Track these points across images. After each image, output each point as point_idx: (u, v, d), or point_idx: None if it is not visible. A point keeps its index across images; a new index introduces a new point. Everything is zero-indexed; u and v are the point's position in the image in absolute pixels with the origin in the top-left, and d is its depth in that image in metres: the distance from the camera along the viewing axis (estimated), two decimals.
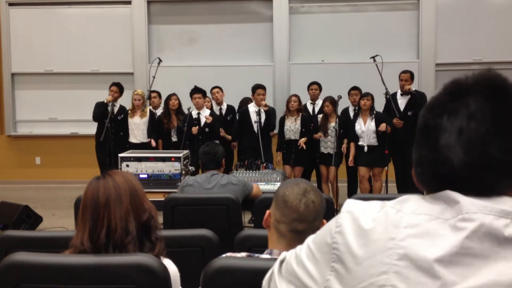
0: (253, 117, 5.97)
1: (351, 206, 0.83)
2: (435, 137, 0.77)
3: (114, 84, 6.50)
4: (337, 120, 5.87)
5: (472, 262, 0.69)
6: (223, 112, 6.68)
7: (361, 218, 0.79)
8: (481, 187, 0.74)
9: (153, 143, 6.28)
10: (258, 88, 6.10)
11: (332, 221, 0.84)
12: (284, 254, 0.94)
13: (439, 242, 0.71)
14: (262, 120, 5.99)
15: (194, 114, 6.10)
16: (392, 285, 0.72)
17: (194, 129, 5.91)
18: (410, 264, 0.71)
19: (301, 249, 0.89)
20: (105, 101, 6.37)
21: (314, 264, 0.83)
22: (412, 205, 0.77)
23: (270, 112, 6.17)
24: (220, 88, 6.76)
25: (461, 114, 0.76)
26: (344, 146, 6.07)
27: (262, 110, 6.04)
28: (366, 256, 0.75)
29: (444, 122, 0.77)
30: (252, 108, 6.11)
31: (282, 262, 0.93)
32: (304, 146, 6.01)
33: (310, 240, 0.88)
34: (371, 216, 0.79)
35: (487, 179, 0.75)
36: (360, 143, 5.97)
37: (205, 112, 6.12)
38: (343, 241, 0.79)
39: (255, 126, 5.94)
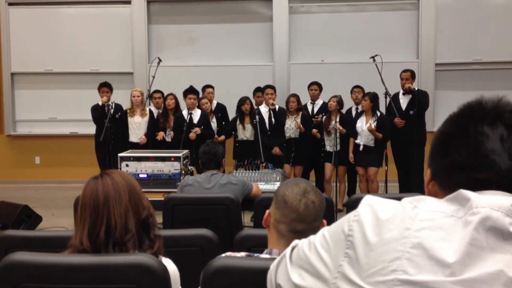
0: (265, 117, 6.04)
1: (370, 200, 0.86)
2: (478, 142, 0.81)
3: (103, 85, 6.57)
4: (337, 119, 5.86)
5: (480, 253, 0.72)
6: (212, 110, 6.67)
7: (379, 210, 0.83)
8: None
9: (143, 140, 6.26)
10: (267, 88, 6.27)
11: (351, 213, 0.87)
12: (296, 241, 0.96)
13: (452, 237, 0.74)
14: (273, 119, 6.08)
15: (185, 114, 6.10)
16: (404, 270, 0.74)
17: (192, 135, 5.88)
18: (422, 252, 0.74)
19: (315, 237, 0.91)
20: (100, 104, 6.42)
21: (328, 252, 0.85)
22: (428, 204, 0.81)
23: (280, 111, 6.22)
24: (213, 88, 6.81)
25: (499, 125, 0.81)
26: (339, 126, 5.79)
27: (272, 109, 6.12)
28: (380, 244, 0.78)
29: (486, 129, 0.81)
30: (263, 108, 6.18)
31: (293, 248, 0.95)
32: (301, 126, 6.05)
33: (325, 229, 0.91)
34: (389, 209, 0.82)
35: None
36: (357, 140, 5.96)
37: (197, 113, 6.12)
38: (360, 229, 0.82)
39: (267, 125, 6.03)
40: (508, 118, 0.81)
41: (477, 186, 0.79)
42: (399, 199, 0.85)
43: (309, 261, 0.87)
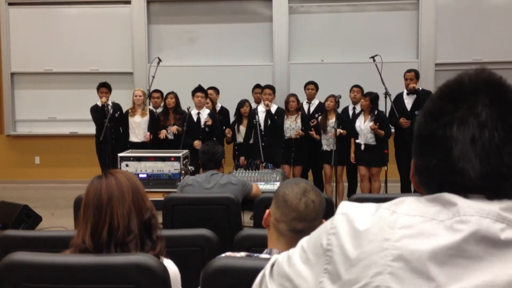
0: (262, 117, 6.01)
1: (346, 208, 0.82)
2: (447, 148, 0.76)
3: (102, 85, 6.57)
4: (335, 118, 5.87)
5: (467, 264, 0.69)
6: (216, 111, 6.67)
7: (356, 220, 0.79)
8: (494, 193, 0.74)
9: (147, 137, 6.26)
10: (266, 88, 6.24)
11: (327, 223, 0.83)
12: (275, 257, 0.93)
13: (433, 241, 0.71)
14: (268, 121, 6.04)
15: (194, 114, 6.10)
16: (387, 286, 0.71)
17: (197, 144, 5.80)
18: (404, 265, 0.71)
19: (294, 251, 0.87)
20: (100, 104, 6.44)
21: (307, 266, 0.82)
22: (407, 207, 0.77)
23: (279, 112, 6.20)
24: (215, 90, 6.77)
25: (471, 123, 0.75)
26: (339, 130, 5.85)
27: (271, 109, 6.09)
28: (361, 257, 0.75)
29: (454, 133, 0.75)
30: (261, 108, 6.16)
31: (273, 265, 0.92)
32: (300, 132, 6.03)
33: (304, 241, 0.87)
34: (366, 218, 0.78)
35: (501, 187, 0.75)
36: (357, 140, 5.97)
37: (205, 112, 6.13)
38: (338, 242, 0.78)
39: (262, 125, 6.01)
40: (480, 113, 0.74)
41: (452, 190, 0.75)
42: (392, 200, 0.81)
43: (289, 278, 0.84)
